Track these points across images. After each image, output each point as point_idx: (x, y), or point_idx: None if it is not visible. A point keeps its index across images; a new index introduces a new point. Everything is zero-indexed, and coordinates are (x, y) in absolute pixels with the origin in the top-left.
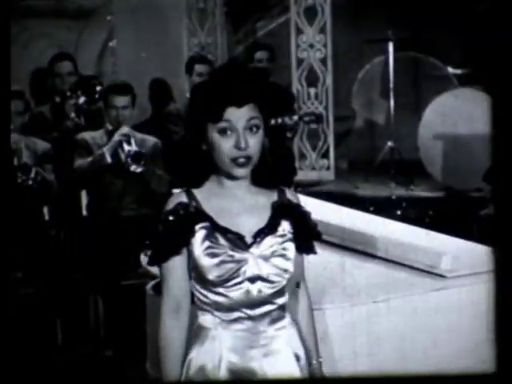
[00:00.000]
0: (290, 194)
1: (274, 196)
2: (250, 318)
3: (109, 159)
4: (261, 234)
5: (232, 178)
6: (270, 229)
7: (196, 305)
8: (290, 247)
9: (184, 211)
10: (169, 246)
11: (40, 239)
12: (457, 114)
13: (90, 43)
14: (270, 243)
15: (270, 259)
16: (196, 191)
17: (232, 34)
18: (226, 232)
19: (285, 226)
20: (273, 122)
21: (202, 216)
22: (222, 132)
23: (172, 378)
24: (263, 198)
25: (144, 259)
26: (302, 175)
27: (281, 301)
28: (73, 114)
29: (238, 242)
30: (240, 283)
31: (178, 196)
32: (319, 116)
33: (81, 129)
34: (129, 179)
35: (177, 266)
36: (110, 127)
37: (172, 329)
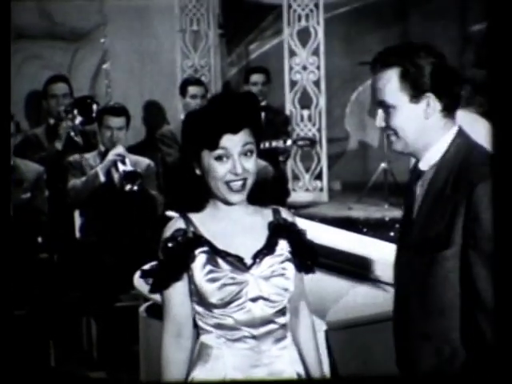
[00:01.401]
0: (284, 213)
1: (269, 215)
2: (253, 337)
3: (102, 178)
4: (260, 255)
5: (226, 202)
6: (268, 249)
7: (198, 325)
8: (289, 266)
9: (182, 237)
10: (170, 272)
11: (33, 261)
12: None
13: (84, 65)
14: (269, 263)
15: (270, 279)
16: (192, 216)
17: (225, 56)
18: (225, 255)
19: (283, 246)
20: (266, 145)
21: (200, 241)
22: (219, 159)
23: None
24: (259, 218)
25: (137, 281)
26: (295, 197)
27: (282, 320)
28: (72, 133)
29: (237, 264)
30: (242, 304)
31: (176, 222)
32: (313, 141)
33: (79, 149)
34: (122, 200)
35: (177, 291)
36: (102, 148)
37: (174, 352)
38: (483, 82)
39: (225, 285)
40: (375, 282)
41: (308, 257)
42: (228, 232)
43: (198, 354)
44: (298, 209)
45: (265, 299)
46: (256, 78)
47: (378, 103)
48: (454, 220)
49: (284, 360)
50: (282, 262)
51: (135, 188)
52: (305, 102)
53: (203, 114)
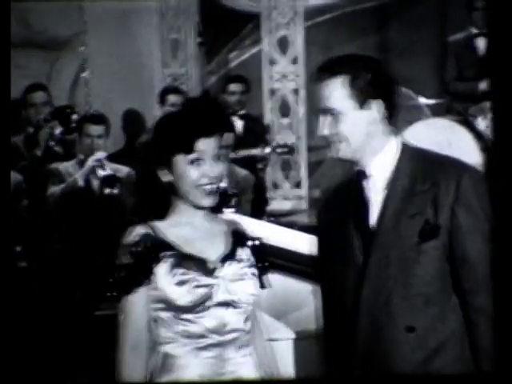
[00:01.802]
0: (240, 222)
1: (228, 224)
2: (219, 344)
3: (81, 183)
4: (225, 260)
5: (196, 207)
6: (232, 254)
7: (160, 335)
8: (252, 272)
9: (146, 241)
10: (134, 277)
11: (11, 271)
12: (429, 143)
13: (63, 74)
14: (234, 268)
15: (236, 283)
16: (154, 221)
17: (205, 64)
18: (191, 259)
19: (245, 252)
20: (245, 153)
21: (164, 245)
22: (193, 163)
23: None
24: (219, 225)
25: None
26: (275, 205)
27: (247, 326)
28: (52, 143)
29: (203, 268)
30: (210, 308)
31: (137, 227)
32: (292, 148)
33: (58, 158)
34: (101, 207)
35: (138, 300)
36: (82, 157)
37: (133, 362)
38: (462, 91)
39: (194, 287)
40: None
41: (266, 268)
42: (191, 237)
43: (162, 365)
44: (278, 217)
45: (232, 304)
46: (234, 87)
47: (324, 111)
48: (438, 211)
49: (248, 367)
50: (246, 267)
51: (115, 191)
52: (284, 110)
53: (178, 117)
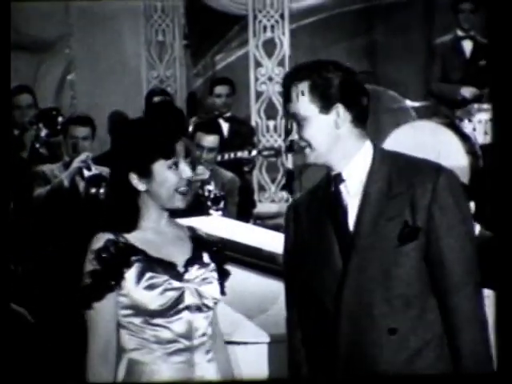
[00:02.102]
0: (198, 227)
1: (186, 228)
2: (188, 349)
3: (67, 184)
4: (190, 264)
5: (170, 211)
6: (196, 259)
7: (127, 342)
8: (215, 276)
9: (115, 247)
10: (104, 282)
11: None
12: (415, 146)
13: (49, 76)
14: (198, 272)
15: (202, 287)
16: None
17: (191, 67)
18: (160, 263)
19: (207, 256)
20: (231, 156)
21: (133, 250)
22: (172, 167)
23: None
24: (180, 230)
25: None
26: (261, 207)
27: (210, 331)
28: (37, 145)
29: (172, 271)
30: (180, 312)
31: (104, 234)
32: (278, 151)
33: (44, 160)
34: (89, 209)
35: (107, 306)
36: (67, 159)
37: (103, 369)
38: (445, 94)
39: (165, 290)
40: None
41: (226, 273)
42: (157, 242)
43: (129, 372)
44: (264, 219)
45: (199, 308)
46: (220, 89)
47: (291, 116)
48: (415, 213)
49: (212, 372)
50: (209, 271)
51: (101, 191)
52: (270, 112)
53: (152, 123)
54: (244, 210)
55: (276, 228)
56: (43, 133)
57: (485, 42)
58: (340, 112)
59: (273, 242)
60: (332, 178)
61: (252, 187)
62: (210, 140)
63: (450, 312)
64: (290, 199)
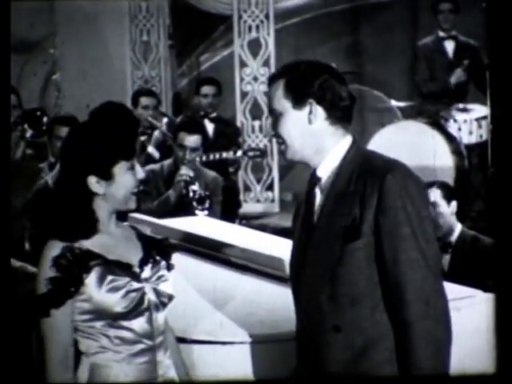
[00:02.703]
0: (140, 227)
1: (130, 228)
2: (151, 348)
3: (51, 185)
4: (144, 263)
5: (115, 212)
6: (148, 258)
7: (88, 346)
8: (167, 274)
9: (71, 253)
10: (63, 289)
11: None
12: (401, 146)
13: (33, 76)
14: (153, 272)
15: (158, 286)
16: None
17: (176, 67)
18: (118, 265)
19: (156, 255)
20: (216, 156)
21: (90, 255)
22: (131, 168)
23: None
24: (125, 230)
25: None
26: (246, 207)
27: (164, 328)
28: (23, 146)
29: (130, 273)
30: (142, 312)
31: (56, 243)
32: (263, 151)
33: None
34: None
35: (64, 313)
36: (52, 159)
37: (63, 375)
38: (435, 90)
39: (127, 292)
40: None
41: (172, 268)
42: (109, 244)
43: (91, 375)
44: (250, 219)
45: (157, 306)
46: (206, 89)
47: (270, 112)
48: (363, 212)
49: (172, 369)
50: (161, 270)
51: None
52: (256, 112)
53: (113, 123)
54: (229, 210)
55: (261, 228)
56: (28, 133)
57: (467, 40)
58: (313, 108)
59: (258, 242)
60: (311, 175)
61: (237, 187)
62: (193, 140)
63: (399, 310)
64: (276, 198)
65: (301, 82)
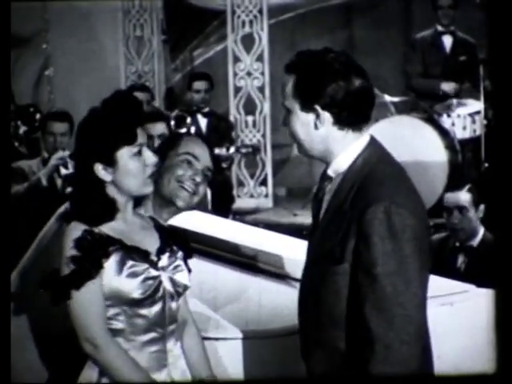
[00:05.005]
0: (157, 217)
1: (148, 219)
2: (162, 337)
3: (44, 182)
4: (162, 252)
5: (132, 199)
6: (166, 247)
7: None
8: (183, 264)
9: (92, 236)
10: (85, 269)
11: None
12: (394, 141)
13: (26, 72)
14: (170, 261)
15: (175, 275)
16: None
17: (169, 62)
18: (137, 251)
19: (174, 245)
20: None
21: (110, 240)
22: (137, 154)
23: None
24: (143, 220)
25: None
26: (240, 203)
27: (180, 318)
28: (16, 143)
29: (148, 259)
30: (157, 300)
31: (78, 225)
32: (256, 148)
33: (22, 157)
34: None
35: (96, 295)
36: (46, 155)
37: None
38: (425, 88)
39: (146, 279)
40: (287, 279)
41: (188, 256)
42: (127, 231)
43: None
44: (243, 215)
45: (173, 296)
46: (198, 85)
47: (282, 103)
48: (347, 237)
49: (182, 359)
50: (178, 259)
51: None
52: (249, 108)
53: (115, 109)
54: (223, 206)
55: (254, 223)
56: (21, 130)
57: (465, 37)
58: (319, 114)
59: (251, 237)
60: (322, 172)
61: (231, 182)
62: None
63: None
64: (269, 194)
65: (309, 85)
